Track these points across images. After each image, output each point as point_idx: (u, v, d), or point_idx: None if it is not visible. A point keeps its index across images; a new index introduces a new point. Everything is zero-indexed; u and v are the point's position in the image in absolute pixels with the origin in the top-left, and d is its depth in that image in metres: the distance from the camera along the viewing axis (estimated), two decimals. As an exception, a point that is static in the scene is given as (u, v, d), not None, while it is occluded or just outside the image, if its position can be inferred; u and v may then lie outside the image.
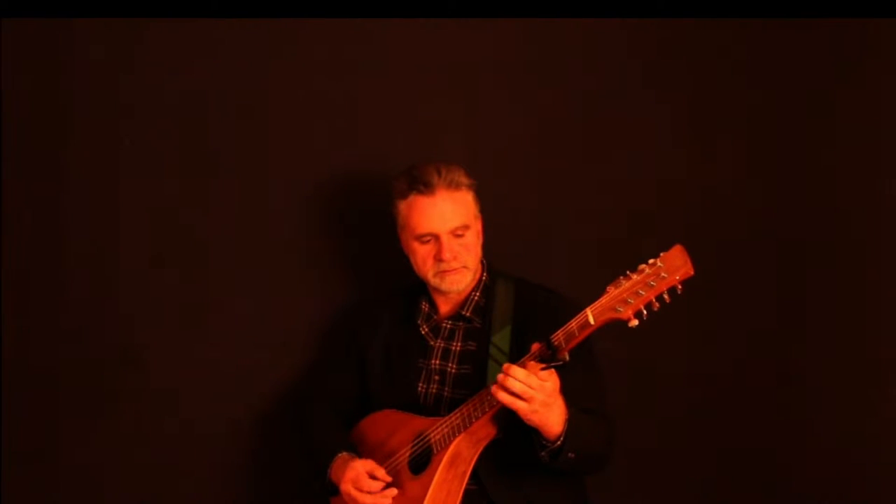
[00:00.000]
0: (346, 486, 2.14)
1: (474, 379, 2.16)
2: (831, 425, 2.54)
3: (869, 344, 2.53)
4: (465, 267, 2.21)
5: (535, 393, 1.90)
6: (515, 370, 1.91)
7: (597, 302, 1.88)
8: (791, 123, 2.56)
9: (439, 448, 2.08)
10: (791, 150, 2.56)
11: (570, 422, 1.95)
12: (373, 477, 2.13)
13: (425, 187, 2.19)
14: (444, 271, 2.20)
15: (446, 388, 2.22)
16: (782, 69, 2.56)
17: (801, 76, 2.55)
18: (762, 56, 2.57)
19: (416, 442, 2.14)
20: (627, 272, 1.86)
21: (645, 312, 1.84)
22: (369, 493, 2.11)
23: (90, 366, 2.58)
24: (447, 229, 2.19)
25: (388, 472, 2.15)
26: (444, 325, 2.28)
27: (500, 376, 1.92)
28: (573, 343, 1.90)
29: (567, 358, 1.91)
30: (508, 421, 2.02)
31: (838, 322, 2.55)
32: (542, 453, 1.99)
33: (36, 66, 2.55)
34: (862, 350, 2.53)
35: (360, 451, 2.24)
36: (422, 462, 2.12)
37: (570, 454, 1.97)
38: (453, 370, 2.23)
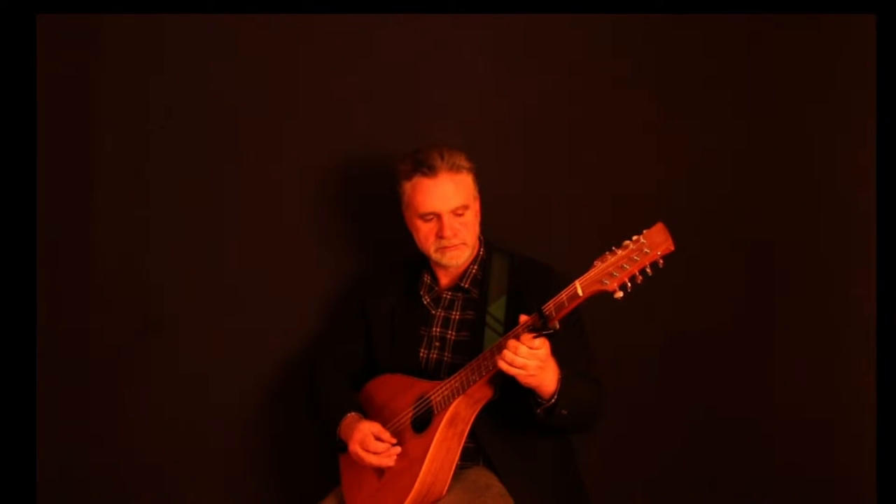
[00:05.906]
0: (354, 447, 2.24)
1: (472, 345, 2.26)
2: (799, 392, 2.66)
3: (835, 321, 2.64)
4: (464, 243, 2.31)
5: (529, 361, 2.02)
6: (511, 343, 2.02)
7: (585, 275, 1.97)
8: (775, 117, 2.64)
9: (440, 409, 2.19)
10: (775, 143, 2.64)
11: (563, 381, 2.07)
12: (378, 439, 2.23)
13: (429, 170, 2.28)
14: (445, 247, 2.30)
15: (446, 354, 2.32)
16: (767, 65, 2.63)
17: (785, 72, 2.63)
18: (749, 53, 2.65)
19: (418, 403, 2.24)
20: (613, 248, 1.95)
21: (629, 285, 1.94)
22: (375, 453, 2.22)
23: (119, 334, 2.70)
24: (448, 209, 2.29)
25: (392, 432, 2.25)
26: (445, 295, 2.38)
27: (505, 352, 2.03)
28: (563, 313, 2.00)
29: (557, 326, 2.02)
30: (503, 383, 2.14)
31: (810, 300, 2.65)
32: (538, 410, 2.11)
33: (70, 59, 2.64)
34: (829, 327, 2.64)
35: (366, 412, 2.33)
36: (423, 422, 2.22)
37: (563, 411, 2.09)
38: (452, 337, 2.33)
